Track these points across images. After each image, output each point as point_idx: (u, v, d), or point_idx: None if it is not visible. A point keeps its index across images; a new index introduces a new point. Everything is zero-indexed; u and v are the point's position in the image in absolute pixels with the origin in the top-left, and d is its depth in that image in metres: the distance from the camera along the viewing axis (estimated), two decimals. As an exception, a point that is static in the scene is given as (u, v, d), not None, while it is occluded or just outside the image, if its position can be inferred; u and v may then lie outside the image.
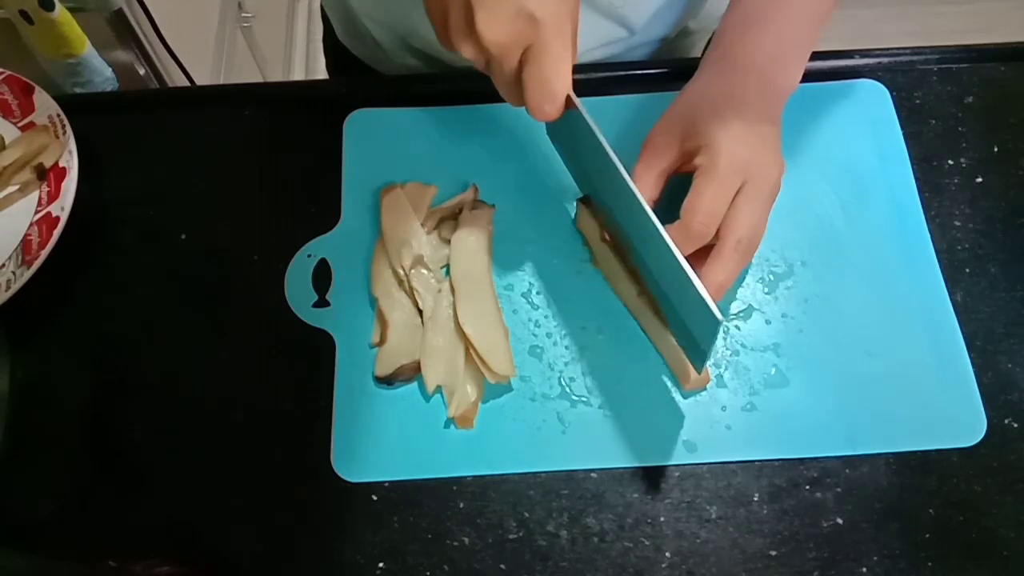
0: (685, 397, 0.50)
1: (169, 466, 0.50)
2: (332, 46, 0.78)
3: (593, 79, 0.60)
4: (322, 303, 0.53)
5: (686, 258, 0.43)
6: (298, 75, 1.63)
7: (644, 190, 0.48)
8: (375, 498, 0.48)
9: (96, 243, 0.57)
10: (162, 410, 0.52)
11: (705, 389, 0.50)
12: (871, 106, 0.59)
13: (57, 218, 0.54)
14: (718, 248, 0.46)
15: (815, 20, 0.53)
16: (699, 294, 0.42)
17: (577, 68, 0.62)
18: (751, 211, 0.47)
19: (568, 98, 0.45)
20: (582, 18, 0.46)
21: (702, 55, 0.54)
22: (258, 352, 0.53)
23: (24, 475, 0.50)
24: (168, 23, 1.03)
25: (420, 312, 0.52)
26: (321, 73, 1.64)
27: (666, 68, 0.61)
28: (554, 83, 0.44)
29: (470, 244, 0.54)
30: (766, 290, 0.53)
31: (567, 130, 0.48)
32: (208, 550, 0.48)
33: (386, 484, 0.48)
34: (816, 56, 0.60)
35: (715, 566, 0.46)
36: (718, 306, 0.42)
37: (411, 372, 0.50)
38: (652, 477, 0.48)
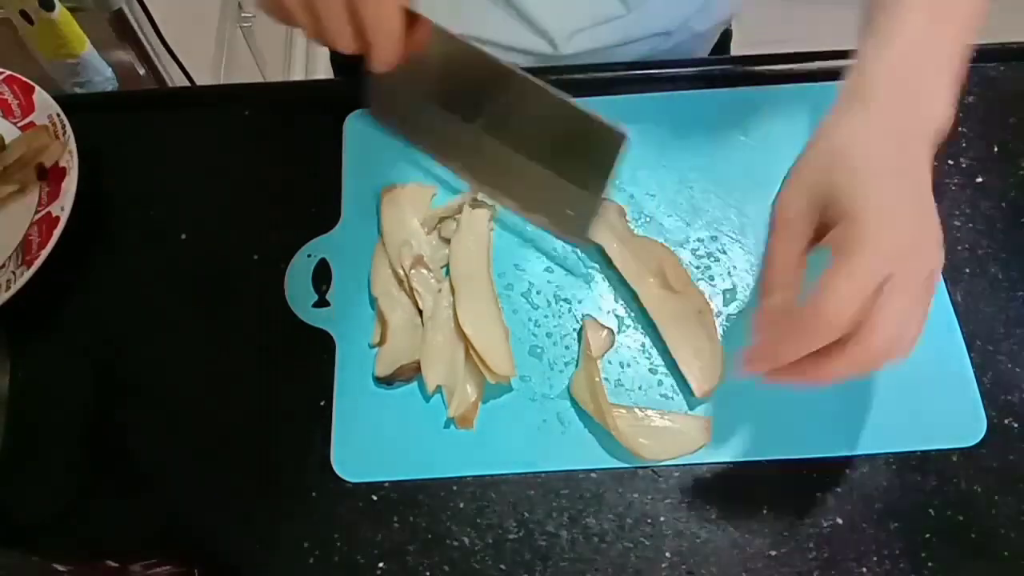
0: (687, 399, 0.50)
1: (169, 466, 0.50)
2: None
3: (600, 79, 0.60)
4: (322, 303, 0.53)
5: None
6: (298, 75, 1.63)
7: (781, 277, 0.41)
8: (375, 498, 0.48)
9: (96, 243, 0.57)
10: (162, 410, 0.52)
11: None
12: (871, 106, 0.59)
13: (57, 218, 0.54)
14: (851, 343, 0.38)
15: (963, 31, 0.43)
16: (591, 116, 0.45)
17: (583, 68, 0.62)
18: (899, 311, 0.37)
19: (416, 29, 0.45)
20: None
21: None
22: (258, 352, 0.53)
23: (24, 475, 0.50)
24: (168, 23, 1.03)
25: (420, 312, 0.52)
26: (321, 73, 1.64)
27: (662, 67, 0.61)
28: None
29: (470, 244, 0.54)
30: (766, 290, 0.53)
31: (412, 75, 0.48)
32: (208, 550, 0.48)
33: (386, 484, 0.48)
34: (816, 56, 0.60)
35: (715, 566, 0.46)
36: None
37: (411, 372, 0.50)
38: (652, 477, 0.48)
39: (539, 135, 0.50)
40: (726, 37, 0.79)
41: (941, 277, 0.52)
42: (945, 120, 0.41)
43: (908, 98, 0.41)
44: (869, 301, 0.37)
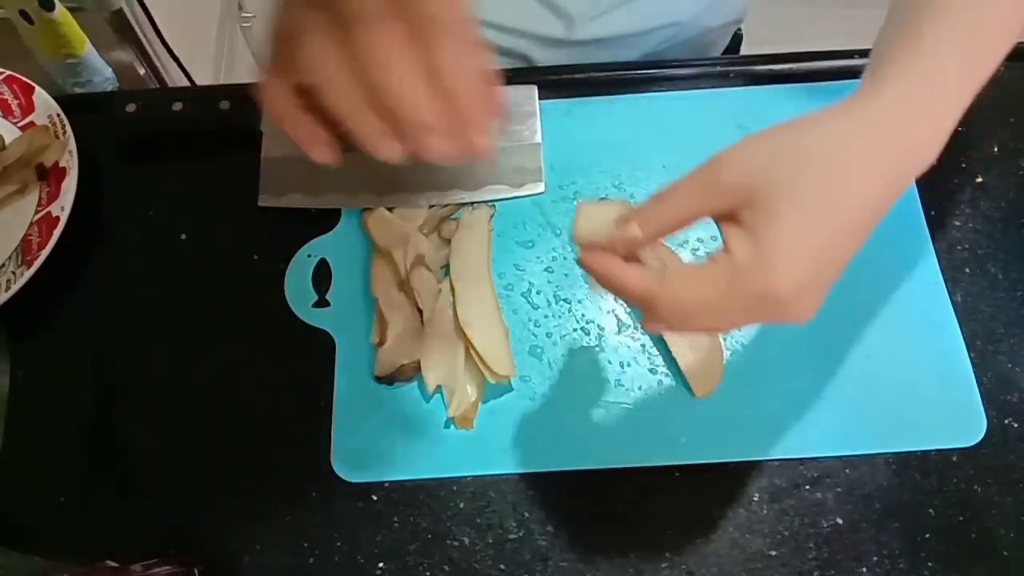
0: (688, 399, 0.50)
1: (169, 466, 0.50)
2: None
3: (602, 78, 0.60)
4: (322, 303, 0.53)
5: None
6: (298, 75, 1.62)
7: (654, 224, 0.36)
8: (375, 498, 0.48)
9: (96, 243, 0.57)
10: (162, 410, 0.52)
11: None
12: (871, 106, 0.59)
13: (57, 218, 0.54)
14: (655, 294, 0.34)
15: (990, 66, 0.39)
16: None
17: (583, 68, 0.62)
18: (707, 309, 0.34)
19: None
20: None
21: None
22: (258, 352, 0.53)
23: (24, 475, 0.50)
24: (168, 23, 1.03)
25: (420, 312, 0.52)
26: (321, 73, 1.64)
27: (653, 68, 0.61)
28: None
29: (470, 244, 0.54)
30: (766, 290, 0.53)
31: None
32: (208, 550, 0.48)
33: (386, 484, 0.48)
34: (816, 56, 0.60)
35: (715, 566, 0.46)
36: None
37: (411, 372, 0.50)
38: (652, 477, 0.48)
39: None
40: (737, 41, 0.79)
41: (942, 279, 0.52)
42: (929, 162, 0.36)
43: (908, 130, 0.36)
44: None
